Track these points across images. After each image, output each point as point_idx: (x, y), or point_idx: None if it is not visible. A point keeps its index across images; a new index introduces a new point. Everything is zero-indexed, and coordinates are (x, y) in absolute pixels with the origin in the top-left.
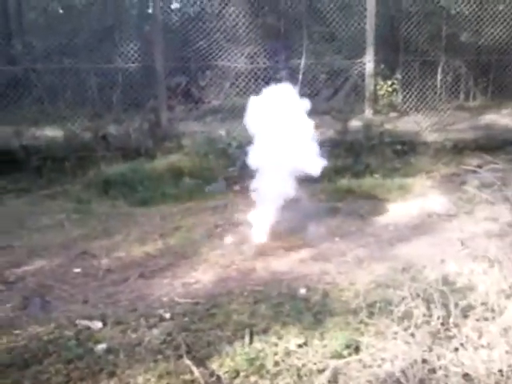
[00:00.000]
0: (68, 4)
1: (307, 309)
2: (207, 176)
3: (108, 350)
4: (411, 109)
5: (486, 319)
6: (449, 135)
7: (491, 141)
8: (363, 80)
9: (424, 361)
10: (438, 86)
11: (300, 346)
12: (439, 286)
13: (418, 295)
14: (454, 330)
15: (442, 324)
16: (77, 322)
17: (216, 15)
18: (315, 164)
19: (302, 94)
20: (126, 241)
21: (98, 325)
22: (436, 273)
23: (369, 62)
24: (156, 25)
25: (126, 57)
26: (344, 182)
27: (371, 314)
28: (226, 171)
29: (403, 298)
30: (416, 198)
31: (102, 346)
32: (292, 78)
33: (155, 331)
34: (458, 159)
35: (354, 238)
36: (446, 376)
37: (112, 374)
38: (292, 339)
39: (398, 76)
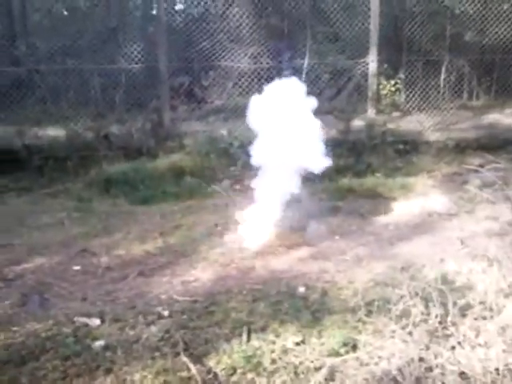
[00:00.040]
0: (72, 6)
1: (306, 307)
2: (208, 175)
3: (105, 347)
4: (414, 108)
5: (484, 318)
6: (451, 134)
7: (493, 140)
8: (366, 80)
9: (421, 359)
10: (442, 86)
11: (297, 343)
12: (438, 285)
13: (417, 294)
14: (452, 329)
15: (440, 322)
16: (75, 319)
17: (220, 16)
18: (318, 162)
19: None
20: (126, 239)
21: (96, 322)
22: (435, 272)
23: (372, 62)
24: (160, 26)
25: (129, 57)
26: (345, 181)
27: (369, 313)
28: (228, 170)
29: (402, 297)
30: (417, 197)
31: (99, 343)
32: (295, 77)
33: (153, 328)
34: (460, 158)
35: (354, 236)
36: (443, 374)
37: (109, 371)
38: (290, 337)
39: (402, 75)
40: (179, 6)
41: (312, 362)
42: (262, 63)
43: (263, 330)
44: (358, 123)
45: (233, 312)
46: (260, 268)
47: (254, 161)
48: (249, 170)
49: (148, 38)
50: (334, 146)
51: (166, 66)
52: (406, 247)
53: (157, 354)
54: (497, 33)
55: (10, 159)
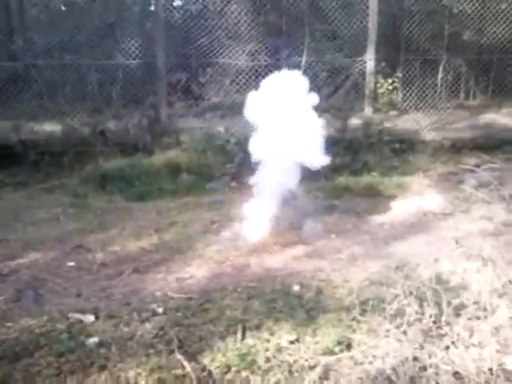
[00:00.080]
0: (70, 1)
1: (300, 305)
2: (205, 172)
3: (100, 344)
4: (411, 107)
5: (478, 318)
6: (447, 134)
7: (489, 140)
8: (364, 78)
9: (415, 358)
10: (439, 85)
11: (292, 342)
12: (432, 285)
13: (411, 293)
14: (446, 329)
15: (434, 322)
16: (69, 315)
17: (218, 13)
18: (315, 159)
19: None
20: (122, 235)
21: (91, 318)
22: (430, 271)
23: (370, 60)
24: (158, 22)
25: (126, 53)
26: (341, 179)
27: (364, 312)
28: (224, 168)
29: (396, 296)
30: (413, 197)
31: (93, 340)
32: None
33: (148, 325)
34: (456, 158)
35: (349, 235)
36: (437, 374)
37: (103, 368)
38: (284, 335)
39: (399, 74)
40: (177, 2)
41: (306, 360)
42: (259, 60)
43: (258, 327)
44: (354, 121)
45: (227, 310)
46: (255, 266)
47: (250, 158)
48: (245, 167)
49: (146, 34)
50: (330, 144)
51: (164, 62)
52: (401, 246)
53: (151, 351)
54: (495, 32)
55: (5, 154)
